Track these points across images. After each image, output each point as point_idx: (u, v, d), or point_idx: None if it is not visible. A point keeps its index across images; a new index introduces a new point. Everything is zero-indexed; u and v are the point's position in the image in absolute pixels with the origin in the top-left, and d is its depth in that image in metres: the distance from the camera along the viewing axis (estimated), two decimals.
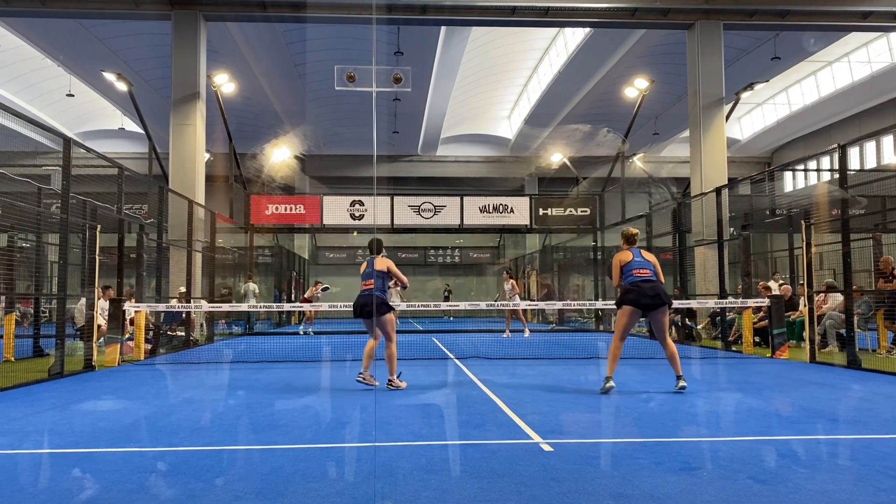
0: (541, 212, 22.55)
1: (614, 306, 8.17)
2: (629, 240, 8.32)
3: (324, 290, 20.39)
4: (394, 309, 8.64)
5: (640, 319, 8.41)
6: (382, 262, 8.45)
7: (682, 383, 7.78)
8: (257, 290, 21.56)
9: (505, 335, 17.94)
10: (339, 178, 36.33)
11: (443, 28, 22.81)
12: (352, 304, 8.67)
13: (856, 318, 11.65)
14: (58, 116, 32.70)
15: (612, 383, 7.72)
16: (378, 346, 8.44)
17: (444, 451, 4.97)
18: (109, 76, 20.68)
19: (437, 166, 38.70)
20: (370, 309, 8.19)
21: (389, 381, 8.33)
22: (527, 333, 18.10)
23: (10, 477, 4.37)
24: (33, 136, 26.77)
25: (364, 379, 8.19)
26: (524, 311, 18.70)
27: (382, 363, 8.46)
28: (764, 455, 4.85)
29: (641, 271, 7.95)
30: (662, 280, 8.15)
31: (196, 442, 5.30)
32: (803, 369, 10.53)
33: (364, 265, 8.61)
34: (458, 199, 22.23)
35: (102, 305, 12.27)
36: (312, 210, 21.67)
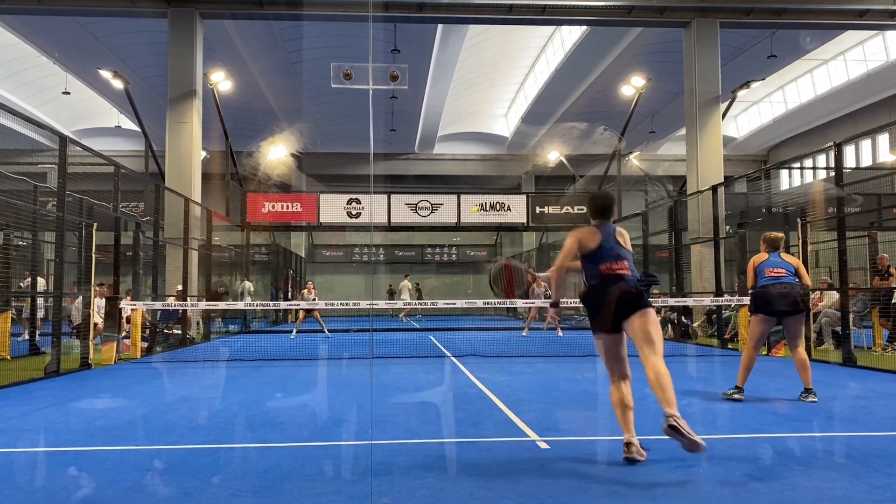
0: (538, 210, 22.55)
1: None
2: (773, 244, 7.36)
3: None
4: None
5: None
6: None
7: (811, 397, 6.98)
8: (252, 289, 21.52)
9: (524, 334, 17.93)
10: (335, 175, 36.29)
11: (440, 26, 22.80)
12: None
13: (851, 316, 11.68)
14: (54, 114, 32.61)
15: (740, 395, 7.10)
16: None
17: (440, 449, 4.98)
18: (105, 74, 20.67)
19: (434, 164, 38.68)
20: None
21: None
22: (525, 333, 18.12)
23: (6, 475, 4.37)
24: (29, 134, 26.83)
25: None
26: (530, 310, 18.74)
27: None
28: (760, 452, 4.86)
29: (776, 271, 7.07)
30: (808, 283, 7.38)
31: (193, 440, 5.30)
32: None
33: (598, 234, 4.93)
34: (455, 197, 22.23)
35: (99, 303, 12.25)
36: (309, 208, 21.64)
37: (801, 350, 7.09)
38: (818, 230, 15.32)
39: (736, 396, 7.04)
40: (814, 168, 30.69)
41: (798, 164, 32.10)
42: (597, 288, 4.79)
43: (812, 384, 7.01)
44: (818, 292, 13.42)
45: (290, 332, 18.17)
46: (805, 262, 11.73)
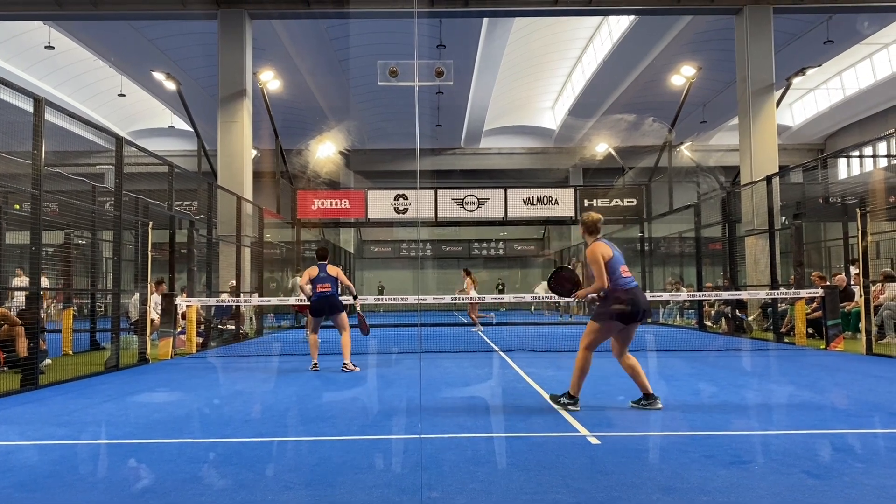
0: (586, 203, 22.33)
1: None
2: (592, 229, 6.51)
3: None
4: (346, 308, 10.29)
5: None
6: (333, 269, 9.79)
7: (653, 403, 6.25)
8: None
9: (475, 329, 17.88)
10: (382, 172, 36.52)
11: (485, 20, 22.71)
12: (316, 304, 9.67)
13: None
14: (110, 116, 33.56)
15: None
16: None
17: (490, 444, 4.97)
18: (159, 76, 21.15)
19: (481, 159, 38.62)
20: (332, 306, 9.63)
21: (345, 364, 9.44)
22: (478, 328, 17.98)
23: (70, 466, 4.52)
24: (87, 136, 27.64)
25: (317, 367, 9.57)
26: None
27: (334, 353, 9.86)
28: (818, 449, 4.73)
29: (624, 268, 6.31)
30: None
31: (247, 433, 5.40)
32: (859, 361, 10.24)
33: (316, 270, 9.68)
34: (501, 191, 22.15)
35: (155, 300, 12.57)
36: (357, 204, 21.84)
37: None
38: (879, 220, 14.81)
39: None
40: (874, 156, 29.64)
41: (857, 153, 31.05)
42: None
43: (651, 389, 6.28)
44: (879, 284, 12.99)
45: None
46: (865, 254, 11.37)
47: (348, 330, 9.78)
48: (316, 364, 9.70)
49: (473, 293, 18.34)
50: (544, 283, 24.09)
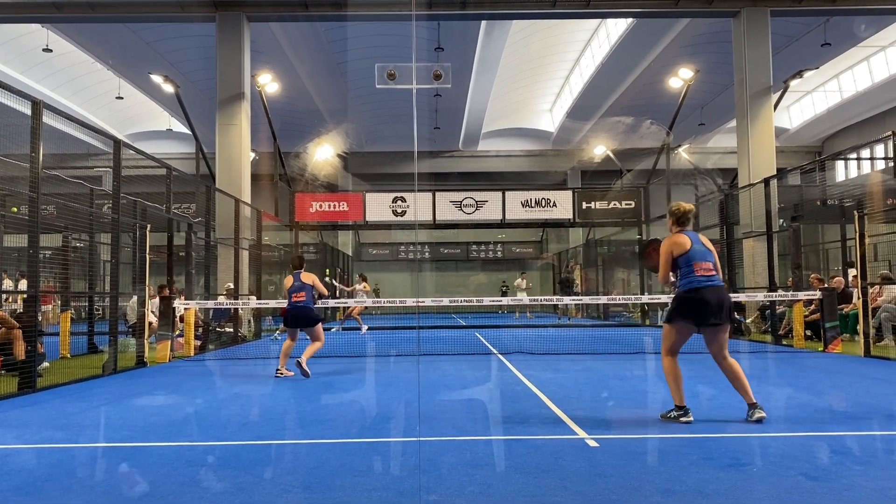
0: (584, 205, 22.34)
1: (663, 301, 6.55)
2: (681, 219, 6.01)
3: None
4: (322, 319, 10.01)
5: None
6: (308, 276, 9.59)
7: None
8: None
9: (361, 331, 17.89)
10: (380, 174, 36.54)
11: (483, 22, 22.74)
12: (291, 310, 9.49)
13: None
14: (108, 119, 33.54)
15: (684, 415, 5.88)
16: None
17: (488, 447, 4.97)
18: (157, 78, 21.16)
19: (479, 161, 38.64)
20: (305, 318, 9.37)
21: (299, 360, 9.00)
22: (364, 329, 17.98)
23: (68, 469, 4.51)
24: (85, 139, 27.60)
25: (282, 374, 9.18)
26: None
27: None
28: (816, 451, 4.74)
29: (704, 265, 5.80)
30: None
31: (245, 436, 5.40)
32: (857, 363, 10.25)
33: (291, 279, 9.57)
34: (499, 193, 22.16)
35: (154, 303, 12.55)
36: (355, 207, 21.83)
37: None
38: (876, 223, 14.83)
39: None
40: (871, 158, 29.65)
41: (854, 155, 31.07)
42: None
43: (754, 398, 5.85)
44: (877, 287, 13.00)
45: (337, 328, 18.40)
46: (863, 256, 11.38)
47: (322, 341, 9.45)
48: (280, 371, 9.19)
49: (364, 296, 18.60)
50: (522, 282, 24.14)
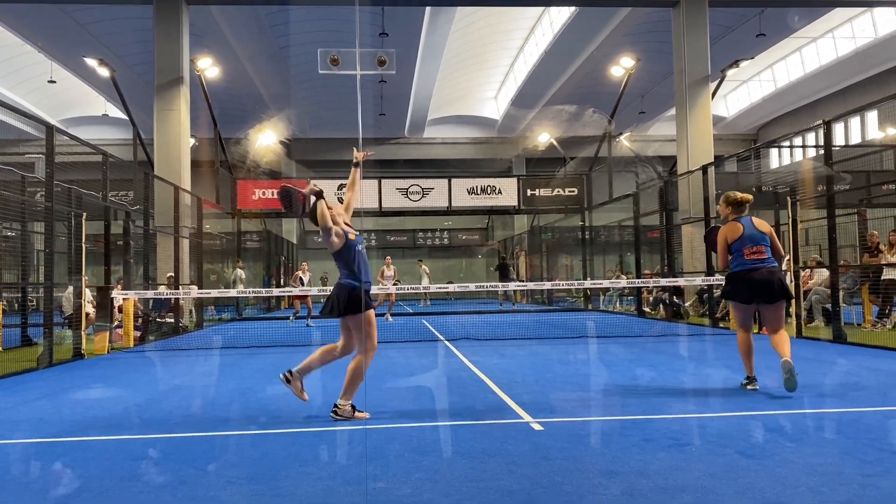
0: (528, 192, 22.55)
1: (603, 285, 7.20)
2: (735, 207, 6.69)
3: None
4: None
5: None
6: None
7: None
8: (243, 276, 21.46)
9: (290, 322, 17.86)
10: (325, 161, 36.13)
11: (428, 8, 22.65)
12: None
13: (841, 293, 11.76)
14: (40, 104, 32.32)
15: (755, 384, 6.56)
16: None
17: (435, 433, 5.00)
18: (91, 62, 20.46)
19: (425, 148, 38.58)
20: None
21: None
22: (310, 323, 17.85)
23: (1, 467, 4.37)
24: (15, 124, 26.63)
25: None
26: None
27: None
28: (751, 430, 4.91)
29: (755, 249, 6.41)
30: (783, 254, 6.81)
31: (187, 428, 5.31)
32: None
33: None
34: (445, 181, 22.20)
35: (90, 293, 12.20)
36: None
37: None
38: (808, 208, 15.38)
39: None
40: (803, 146, 30.75)
41: (787, 143, 32.16)
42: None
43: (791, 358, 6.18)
44: (808, 270, 13.50)
45: (288, 318, 18.17)
46: (795, 241, 11.79)
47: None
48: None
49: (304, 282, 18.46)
50: (425, 269, 24.26)
